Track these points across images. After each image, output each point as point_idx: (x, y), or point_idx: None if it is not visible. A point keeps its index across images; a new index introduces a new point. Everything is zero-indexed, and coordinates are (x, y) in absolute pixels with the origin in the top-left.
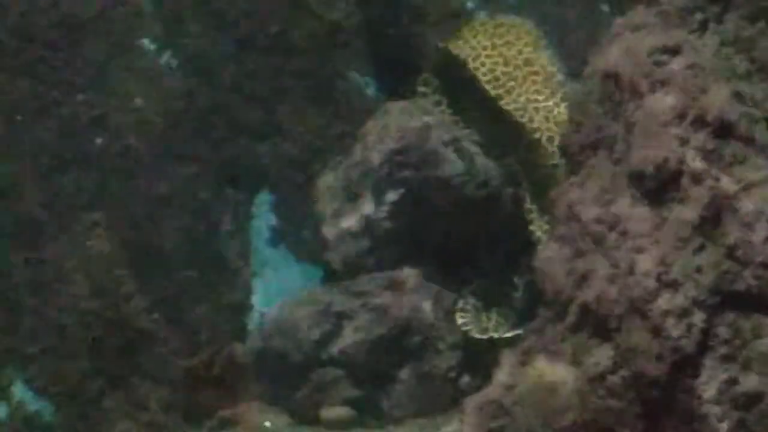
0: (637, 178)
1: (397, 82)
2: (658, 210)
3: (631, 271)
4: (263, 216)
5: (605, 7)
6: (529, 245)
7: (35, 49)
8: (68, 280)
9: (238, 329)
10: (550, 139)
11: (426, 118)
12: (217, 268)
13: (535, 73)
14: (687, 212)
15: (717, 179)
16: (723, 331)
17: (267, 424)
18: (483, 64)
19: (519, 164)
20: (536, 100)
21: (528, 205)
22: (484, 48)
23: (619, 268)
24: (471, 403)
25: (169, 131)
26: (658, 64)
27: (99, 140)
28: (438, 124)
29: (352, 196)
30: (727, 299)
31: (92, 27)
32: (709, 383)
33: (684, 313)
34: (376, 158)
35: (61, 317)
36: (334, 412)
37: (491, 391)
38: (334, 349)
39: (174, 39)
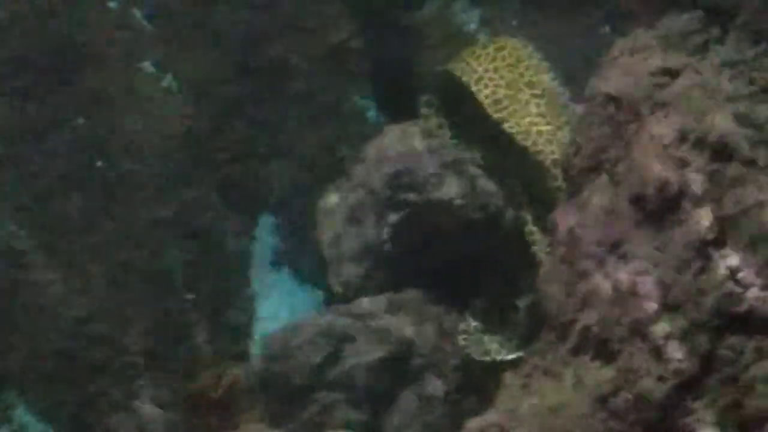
0: (637, 200)
1: (399, 104)
2: (659, 232)
3: (632, 293)
4: (265, 239)
5: (606, 29)
6: (530, 267)
7: (35, 73)
8: (69, 303)
9: (239, 352)
10: (553, 161)
11: (427, 141)
12: (219, 290)
13: (538, 95)
14: (688, 234)
15: (718, 201)
16: (724, 354)
17: None
18: (485, 87)
19: (521, 186)
20: (538, 123)
21: (529, 227)
22: (486, 70)
23: (620, 291)
24: (472, 425)
25: (170, 154)
26: (659, 86)
27: (99, 163)
28: (439, 146)
29: (353, 219)
30: (728, 321)
31: (92, 50)
32: (711, 406)
33: (685, 336)
34: (377, 181)
35: (62, 341)
36: None
37: (493, 414)
38: (336, 371)
39: (174, 62)
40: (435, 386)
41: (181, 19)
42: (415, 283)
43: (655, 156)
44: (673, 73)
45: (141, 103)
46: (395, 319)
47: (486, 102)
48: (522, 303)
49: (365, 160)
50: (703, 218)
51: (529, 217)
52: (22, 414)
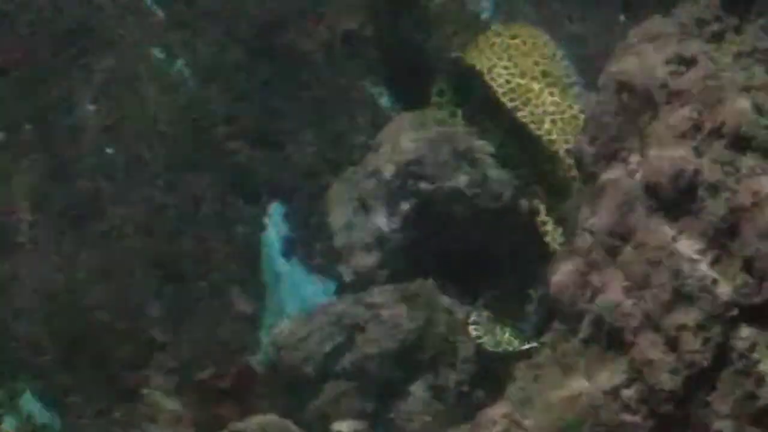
0: (652, 190)
1: (411, 92)
2: (673, 222)
3: (645, 284)
4: (275, 227)
5: (621, 18)
6: (543, 257)
7: (45, 57)
8: (79, 290)
9: (249, 342)
10: (567, 150)
11: (440, 129)
12: (230, 279)
13: (552, 84)
14: (703, 224)
15: (733, 191)
16: (739, 345)
17: None
18: (499, 75)
19: (534, 176)
20: (553, 112)
21: (543, 216)
22: (500, 59)
23: (633, 281)
24: (484, 416)
25: (180, 141)
26: (674, 74)
27: (110, 150)
28: (452, 135)
29: (364, 208)
30: (743, 313)
31: (103, 36)
32: (725, 398)
33: (700, 327)
34: (388, 169)
35: (71, 328)
36: (346, 425)
37: (504, 405)
38: (346, 361)
39: (186, 48)
40: (446, 377)
41: (192, 4)
42: (426, 273)
43: (670, 145)
44: (688, 62)
45: (151, 89)
46: (406, 309)
47: (499, 90)
48: (534, 293)
49: (377, 149)
50: (718, 208)
51: (542, 207)
52: (28, 402)
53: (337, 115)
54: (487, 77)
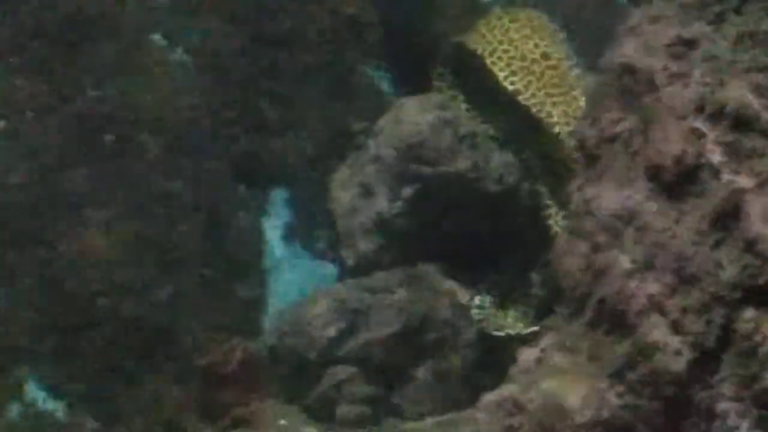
0: (654, 172)
1: (413, 77)
2: (676, 204)
3: (649, 266)
4: (277, 213)
5: (622, 0)
6: (546, 241)
7: (45, 45)
8: (81, 277)
9: (252, 327)
10: (568, 133)
11: (441, 113)
12: (231, 265)
13: (553, 66)
14: (705, 206)
15: (736, 173)
16: (743, 327)
17: (282, 422)
18: (500, 59)
19: (537, 159)
20: (554, 94)
21: (545, 200)
22: (501, 42)
23: (636, 263)
24: (487, 400)
25: (181, 127)
26: (676, 56)
27: (110, 137)
28: (453, 119)
29: (366, 193)
30: (747, 294)
31: (103, 22)
32: (729, 380)
33: (703, 309)
34: (390, 154)
35: (74, 315)
36: (350, 409)
37: (508, 389)
38: (349, 346)
39: (187, 34)
40: (450, 361)
41: None
42: (429, 257)
43: (671, 127)
44: (690, 44)
45: (152, 75)
46: (409, 294)
47: (500, 74)
48: (537, 277)
49: (378, 134)
50: (721, 190)
51: (544, 190)
52: (33, 389)
53: (338, 100)
54: (488, 61)
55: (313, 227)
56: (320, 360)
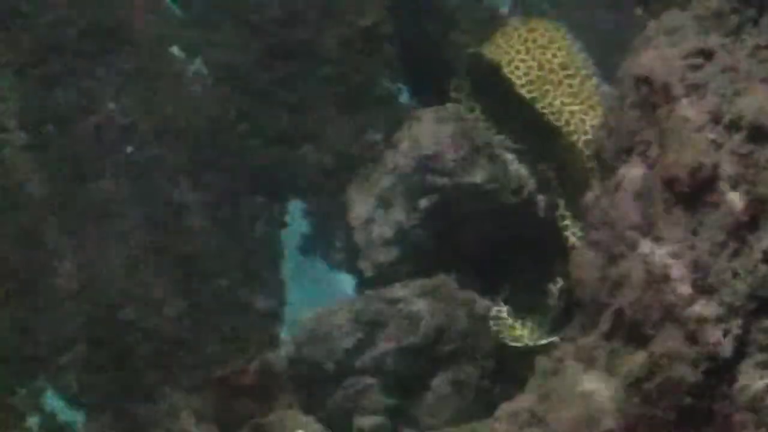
0: (671, 183)
1: (430, 88)
2: (692, 215)
3: (666, 276)
4: (295, 224)
5: (639, 11)
6: (563, 251)
7: (65, 57)
8: (100, 289)
9: (270, 337)
10: (585, 143)
11: (458, 124)
12: (250, 276)
13: (570, 76)
14: (722, 217)
15: (752, 184)
16: (759, 338)
17: None
18: (517, 68)
19: (554, 169)
20: (571, 104)
21: (562, 211)
22: (518, 52)
23: (653, 274)
24: (504, 410)
25: (199, 139)
26: (693, 67)
27: (129, 148)
28: (471, 130)
29: (384, 204)
30: (763, 305)
31: (122, 35)
32: (746, 390)
33: (720, 320)
34: (408, 165)
35: (93, 326)
36: (368, 420)
37: (525, 399)
38: (367, 357)
39: (204, 46)
40: (467, 372)
41: (211, 2)
42: (446, 268)
43: (688, 138)
44: (706, 55)
45: (170, 87)
46: (427, 305)
47: (518, 84)
48: (554, 287)
49: (396, 145)
50: (738, 201)
51: (561, 201)
52: (51, 400)
53: (356, 112)
54: (505, 71)
55: (331, 238)
56: (338, 370)
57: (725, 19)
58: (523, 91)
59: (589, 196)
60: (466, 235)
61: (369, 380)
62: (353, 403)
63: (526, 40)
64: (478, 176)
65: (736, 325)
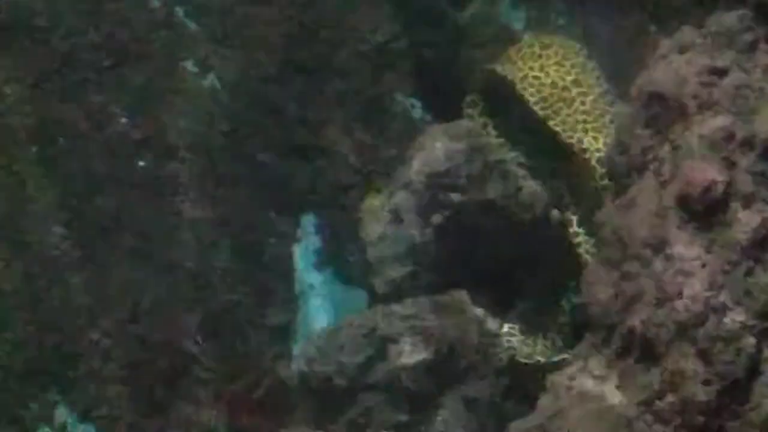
0: (684, 201)
1: (443, 104)
2: (706, 233)
3: (678, 294)
4: (308, 239)
5: (653, 28)
6: (575, 269)
7: (78, 71)
8: (111, 303)
9: (282, 353)
10: (599, 160)
11: (472, 141)
12: (261, 291)
13: (584, 94)
14: (735, 235)
15: (766, 202)
16: None
17: None
18: (530, 85)
19: (567, 186)
20: (585, 122)
21: (575, 228)
22: (531, 69)
23: (666, 292)
24: (516, 428)
25: (213, 154)
26: (706, 85)
27: (142, 163)
28: (484, 146)
29: (396, 220)
30: None
31: (135, 49)
32: (758, 409)
33: (733, 338)
34: (420, 181)
35: (104, 340)
36: None
37: (536, 417)
38: (379, 373)
39: (218, 61)
40: (479, 388)
41: (224, 17)
42: (459, 285)
43: (701, 156)
44: (720, 72)
45: (184, 102)
46: (439, 321)
47: (531, 100)
48: (567, 305)
49: (409, 161)
50: (751, 219)
51: (574, 218)
52: (63, 413)
53: (369, 127)
54: (518, 87)
55: (344, 253)
56: (349, 387)
57: (739, 36)
58: (536, 108)
59: (602, 214)
60: (478, 252)
61: (381, 396)
62: (364, 419)
63: (539, 57)
64: (490, 193)
65: (749, 344)
